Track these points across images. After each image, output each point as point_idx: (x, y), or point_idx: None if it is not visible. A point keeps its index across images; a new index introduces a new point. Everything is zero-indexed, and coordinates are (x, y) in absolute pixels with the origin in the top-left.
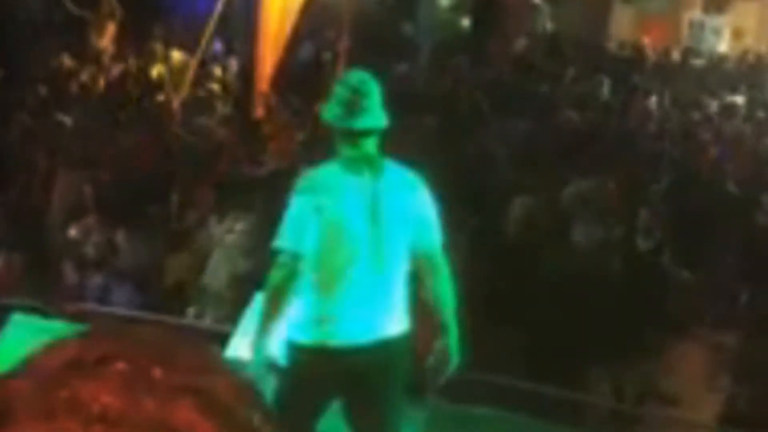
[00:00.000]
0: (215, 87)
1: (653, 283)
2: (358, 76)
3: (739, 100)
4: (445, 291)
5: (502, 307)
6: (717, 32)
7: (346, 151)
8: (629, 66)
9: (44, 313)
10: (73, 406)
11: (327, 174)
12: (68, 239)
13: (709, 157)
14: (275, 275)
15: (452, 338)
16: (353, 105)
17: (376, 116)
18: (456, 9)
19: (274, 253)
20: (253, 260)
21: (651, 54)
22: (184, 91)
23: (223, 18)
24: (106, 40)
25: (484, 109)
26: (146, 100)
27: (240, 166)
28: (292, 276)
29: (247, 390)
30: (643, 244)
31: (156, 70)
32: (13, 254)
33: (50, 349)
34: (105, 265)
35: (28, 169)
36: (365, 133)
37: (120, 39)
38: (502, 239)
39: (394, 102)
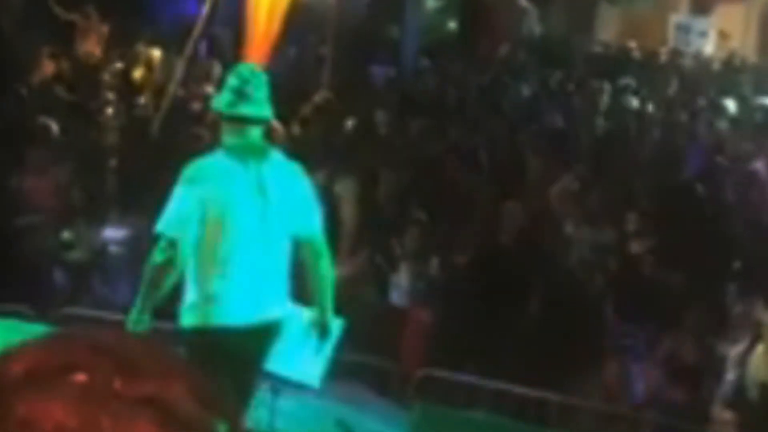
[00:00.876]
0: (201, 88)
1: (643, 285)
2: (249, 67)
3: (730, 104)
4: (325, 275)
5: (494, 310)
6: (703, 34)
7: (231, 139)
8: (616, 68)
9: (27, 318)
10: (28, 423)
11: (211, 164)
12: (58, 242)
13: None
14: (154, 258)
15: (330, 318)
16: (241, 94)
17: (262, 106)
18: (443, 12)
19: (157, 237)
20: None
21: (637, 55)
22: (171, 93)
23: (209, 21)
24: (93, 43)
25: (471, 112)
26: (132, 102)
27: None
28: (170, 260)
29: (210, 394)
30: (633, 247)
31: (140, 73)
32: None
33: (9, 356)
34: (95, 268)
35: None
36: (251, 122)
37: (107, 42)
38: (489, 242)
39: (380, 104)
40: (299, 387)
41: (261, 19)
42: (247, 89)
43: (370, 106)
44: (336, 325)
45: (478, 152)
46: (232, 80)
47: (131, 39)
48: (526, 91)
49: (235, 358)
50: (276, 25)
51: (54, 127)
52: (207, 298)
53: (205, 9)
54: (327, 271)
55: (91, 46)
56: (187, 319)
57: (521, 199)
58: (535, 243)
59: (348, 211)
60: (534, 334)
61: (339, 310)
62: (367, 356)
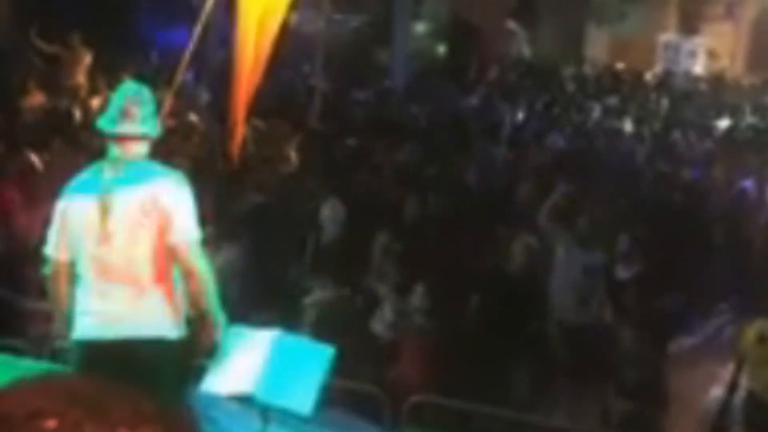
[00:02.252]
0: (190, 118)
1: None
2: (133, 86)
3: (719, 122)
4: (203, 284)
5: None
6: (692, 54)
7: (111, 154)
8: (605, 88)
9: (21, 352)
10: None
11: (76, 181)
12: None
13: (686, 180)
14: (45, 280)
15: (217, 333)
16: (125, 112)
17: (146, 124)
18: (432, 36)
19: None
20: (237, 287)
21: (626, 76)
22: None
23: (198, 50)
24: (80, 75)
25: (461, 136)
26: None
27: (225, 198)
28: (54, 275)
29: None
30: (622, 272)
31: None
32: None
33: None
34: None
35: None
36: (134, 139)
37: (95, 73)
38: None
39: (370, 129)
40: (290, 415)
41: (249, 46)
42: (131, 108)
43: (359, 131)
44: (328, 352)
45: (469, 175)
46: (116, 99)
47: (119, 69)
48: (516, 112)
49: (111, 369)
50: (265, 52)
51: (37, 161)
52: (84, 309)
53: (193, 38)
54: (206, 281)
55: (76, 77)
56: (74, 330)
57: (512, 222)
58: (528, 267)
59: (333, 234)
60: (528, 359)
61: (330, 336)
62: (359, 383)
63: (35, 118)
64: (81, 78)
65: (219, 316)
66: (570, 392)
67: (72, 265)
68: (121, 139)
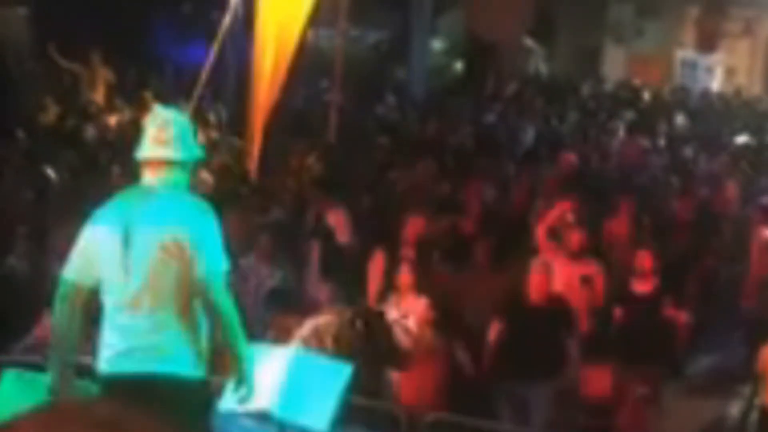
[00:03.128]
0: (210, 135)
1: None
2: (165, 111)
3: (741, 139)
4: (228, 321)
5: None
6: (709, 71)
7: (144, 180)
8: (623, 105)
9: (39, 368)
10: None
11: (104, 208)
12: None
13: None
14: (55, 300)
15: (244, 375)
16: (157, 139)
17: (178, 149)
18: (449, 53)
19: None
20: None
21: (645, 93)
22: None
23: (215, 67)
24: (98, 92)
25: (479, 152)
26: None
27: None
28: (65, 301)
29: None
30: (639, 287)
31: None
32: None
33: (5, 430)
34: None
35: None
36: (166, 165)
37: (113, 89)
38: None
39: (388, 146)
40: None
41: (267, 63)
42: (164, 133)
43: (377, 147)
44: (345, 369)
45: (487, 191)
46: (150, 126)
47: (137, 87)
48: (533, 130)
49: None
50: (282, 69)
51: (53, 176)
52: (104, 343)
53: (211, 56)
54: (229, 321)
55: (94, 95)
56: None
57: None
58: (545, 285)
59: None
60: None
61: (348, 353)
62: (376, 400)
63: (53, 135)
64: (99, 96)
65: (243, 352)
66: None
67: (88, 292)
68: (153, 165)
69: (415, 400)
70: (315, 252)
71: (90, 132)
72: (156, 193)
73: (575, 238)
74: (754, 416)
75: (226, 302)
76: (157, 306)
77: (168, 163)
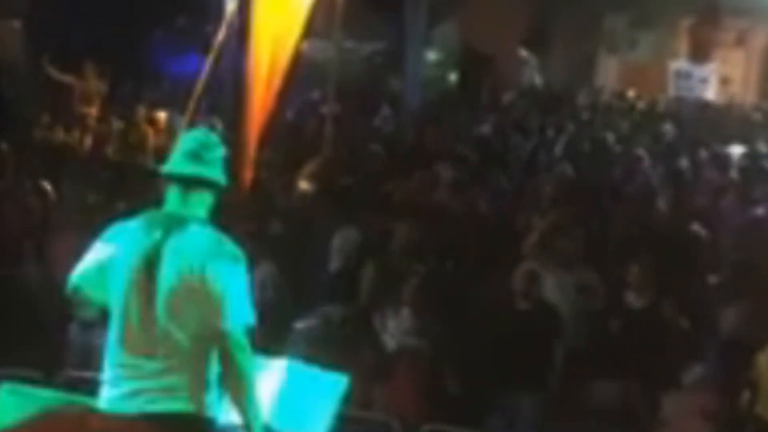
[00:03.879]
0: None
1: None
2: (202, 132)
3: (735, 150)
4: (242, 379)
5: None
6: (703, 81)
7: (170, 204)
8: (617, 116)
9: (35, 382)
10: None
11: (125, 229)
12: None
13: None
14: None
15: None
16: (194, 156)
17: (216, 169)
18: (444, 64)
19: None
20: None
21: (638, 103)
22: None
23: (210, 80)
24: (92, 106)
25: (474, 164)
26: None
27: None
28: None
29: None
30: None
31: (141, 133)
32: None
33: None
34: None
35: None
36: (198, 186)
37: (107, 101)
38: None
39: (383, 157)
40: None
41: (262, 75)
42: (200, 151)
43: (373, 158)
44: (340, 380)
45: (481, 203)
46: (183, 142)
47: (133, 99)
48: (529, 140)
49: None
50: (277, 81)
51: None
52: (104, 376)
53: (206, 68)
54: (244, 376)
55: (88, 107)
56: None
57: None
58: (531, 293)
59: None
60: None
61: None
62: (371, 411)
63: (48, 148)
64: (93, 109)
65: (252, 414)
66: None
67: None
68: (186, 185)
69: (400, 408)
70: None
71: (86, 144)
72: (189, 223)
73: (570, 247)
74: (751, 427)
75: (245, 357)
76: (173, 348)
77: (202, 184)
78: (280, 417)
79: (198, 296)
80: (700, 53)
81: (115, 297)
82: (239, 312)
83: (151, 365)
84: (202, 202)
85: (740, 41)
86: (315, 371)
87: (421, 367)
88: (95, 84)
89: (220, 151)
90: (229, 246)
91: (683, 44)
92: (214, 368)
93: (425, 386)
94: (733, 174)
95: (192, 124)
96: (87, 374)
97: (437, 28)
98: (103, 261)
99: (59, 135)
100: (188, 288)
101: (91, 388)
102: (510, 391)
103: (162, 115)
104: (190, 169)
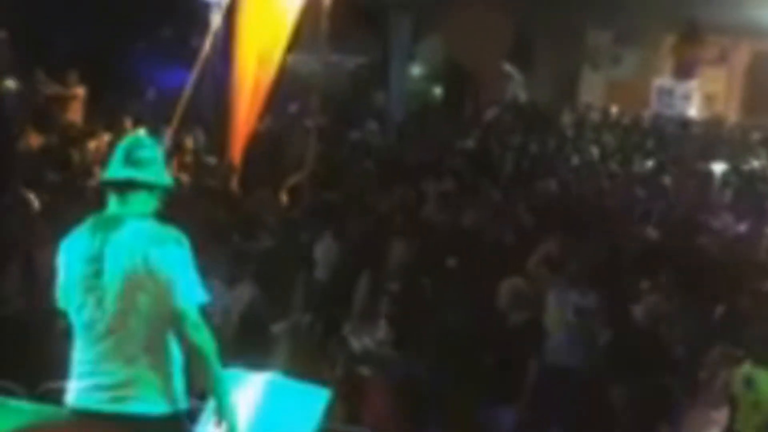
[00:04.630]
0: (188, 159)
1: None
2: (135, 136)
3: (714, 166)
4: (202, 357)
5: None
6: (686, 98)
7: (111, 208)
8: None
9: (13, 394)
10: None
11: (72, 236)
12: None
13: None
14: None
15: (223, 409)
16: (126, 160)
17: (150, 171)
18: (428, 78)
19: None
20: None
21: (622, 119)
22: None
23: (195, 92)
24: (76, 114)
25: (458, 178)
26: None
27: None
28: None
29: None
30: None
31: None
32: None
33: None
34: None
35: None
36: (132, 188)
37: (92, 114)
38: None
39: (368, 170)
40: None
41: (246, 88)
42: (131, 155)
43: (356, 172)
44: (322, 394)
45: (467, 217)
46: (118, 150)
47: (117, 111)
48: (512, 155)
49: None
50: (262, 94)
51: (35, 201)
52: (71, 374)
53: (191, 80)
54: (204, 353)
55: (72, 115)
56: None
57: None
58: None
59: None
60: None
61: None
62: (347, 425)
63: (32, 159)
64: (77, 116)
65: (220, 387)
66: None
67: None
68: (122, 189)
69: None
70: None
71: (73, 155)
72: (127, 220)
73: (573, 266)
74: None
75: (201, 335)
76: (126, 339)
77: (137, 187)
78: (260, 431)
79: (147, 284)
80: (683, 70)
81: (72, 302)
82: (190, 292)
83: (112, 360)
84: (140, 203)
85: (723, 58)
86: (297, 385)
87: (389, 376)
88: (78, 92)
89: (154, 152)
90: (170, 231)
91: (666, 61)
92: (176, 357)
93: (393, 396)
94: (717, 190)
95: (177, 137)
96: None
97: (421, 42)
98: (62, 275)
99: (46, 145)
100: (136, 279)
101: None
102: (490, 405)
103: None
104: (122, 173)
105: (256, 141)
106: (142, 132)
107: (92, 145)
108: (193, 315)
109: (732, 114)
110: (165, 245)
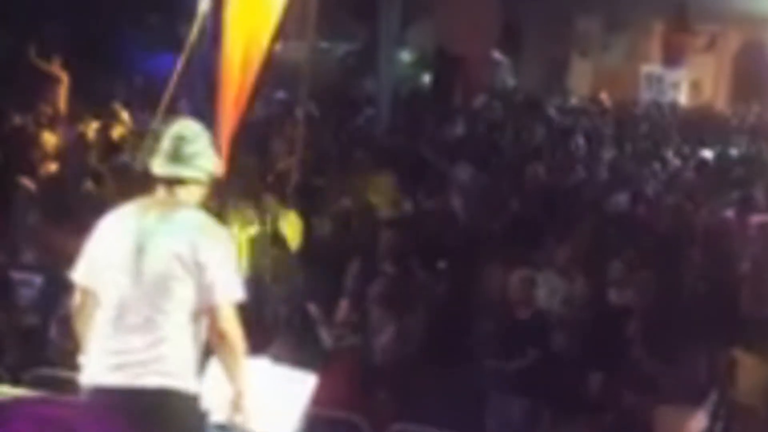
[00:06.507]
0: None
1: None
2: (181, 127)
3: (702, 153)
4: (233, 353)
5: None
6: (675, 85)
7: (159, 194)
8: (589, 119)
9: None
10: None
11: (117, 213)
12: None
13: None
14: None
15: (243, 395)
16: (172, 156)
17: (190, 168)
18: (417, 64)
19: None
20: None
21: (610, 107)
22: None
23: (182, 78)
24: (60, 99)
25: (445, 164)
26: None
27: None
28: (81, 307)
29: None
30: (615, 298)
31: (117, 131)
32: None
33: None
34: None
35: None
36: (179, 183)
37: (79, 99)
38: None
39: (355, 156)
40: None
41: (235, 75)
42: (181, 148)
43: (345, 160)
44: (309, 380)
45: (455, 205)
46: (165, 141)
47: (106, 97)
48: (501, 142)
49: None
50: (250, 82)
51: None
52: (91, 351)
53: (178, 67)
54: (236, 344)
55: (56, 101)
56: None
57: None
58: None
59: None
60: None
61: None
62: (338, 411)
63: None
64: (62, 102)
65: (241, 385)
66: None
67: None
68: (170, 181)
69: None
70: None
71: (58, 140)
72: (178, 207)
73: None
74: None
75: (234, 329)
76: (159, 319)
77: (187, 183)
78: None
79: (190, 271)
80: (671, 58)
81: (104, 278)
82: (229, 287)
83: (139, 339)
84: (187, 193)
85: (711, 46)
86: (284, 370)
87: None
88: (61, 77)
89: (199, 144)
90: (217, 227)
91: (655, 48)
92: (199, 343)
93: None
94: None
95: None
96: (57, 373)
97: (410, 28)
98: (94, 251)
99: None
100: (180, 265)
101: (60, 386)
102: (500, 395)
103: (124, 114)
104: (168, 169)
105: (244, 128)
106: (186, 123)
107: (82, 129)
108: (229, 310)
109: (720, 101)
110: (213, 238)
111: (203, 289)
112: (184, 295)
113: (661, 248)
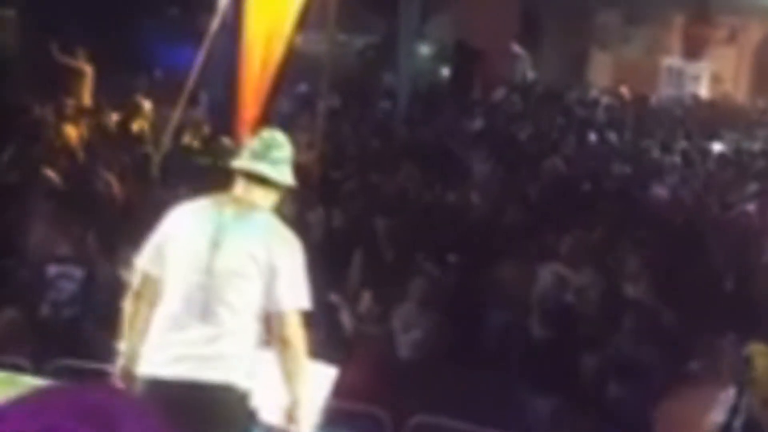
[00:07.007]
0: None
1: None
2: (272, 133)
3: (719, 146)
4: (296, 359)
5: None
6: (696, 78)
7: (237, 191)
8: (609, 112)
9: (23, 370)
10: None
11: (191, 206)
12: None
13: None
14: (131, 291)
15: (301, 404)
16: (264, 155)
17: (274, 169)
18: (436, 58)
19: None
20: None
21: (630, 100)
22: (166, 144)
23: (203, 71)
24: (85, 93)
25: (465, 157)
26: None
27: None
28: (140, 293)
29: None
30: (631, 291)
31: (138, 124)
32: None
33: None
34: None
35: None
36: (260, 182)
37: (101, 91)
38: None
39: (374, 149)
40: None
41: (255, 67)
42: (267, 150)
43: (365, 152)
44: (329, 372)
45: (471, 198)
46: (254, 142)
47: (126, 89)
48: (520, 135)
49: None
50: (270, 74)
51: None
52: (152, 342)
53: (199, 59)
54: (299, 350)
55: (80, 92)
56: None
57: (516, 246)
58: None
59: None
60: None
61: (332, 355)
62: (359, 404)
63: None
64: (86, 96)
65: (300, 393)
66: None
67: (156, 283)
68: (251, 179)
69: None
70: None
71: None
72: (253, 209)
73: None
74: (739, 422)
75: (298, 336)
76: (224, 314)
77: (265, 181)
78: (269, 408)
79: (262, 273)
80: (692, 50)
81: (175, 271)
82: (295, 295)
83: (202, 333)
84: (263, 195)
85: (732, 38)
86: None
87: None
88: (86, 70)
89: (287, 152)
90: (291, 234)
91: (675, 41)
92: (256, 342)
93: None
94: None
95: (186, 115)
96: (76, 363)
97: (430, 21)
98: (164, 240)
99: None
100: (254, 265)
101: (80, 377)
102: (526, 393)
103: (147, 105)
104: (258, 166)
105: (265, 119)
106: (277, 132)
107: (101, 122)
108: (295, 317)
109: (741, 94)
110: (288, 244)
111: (272, 293)
112: (251, 295)
113: (681, 241)
